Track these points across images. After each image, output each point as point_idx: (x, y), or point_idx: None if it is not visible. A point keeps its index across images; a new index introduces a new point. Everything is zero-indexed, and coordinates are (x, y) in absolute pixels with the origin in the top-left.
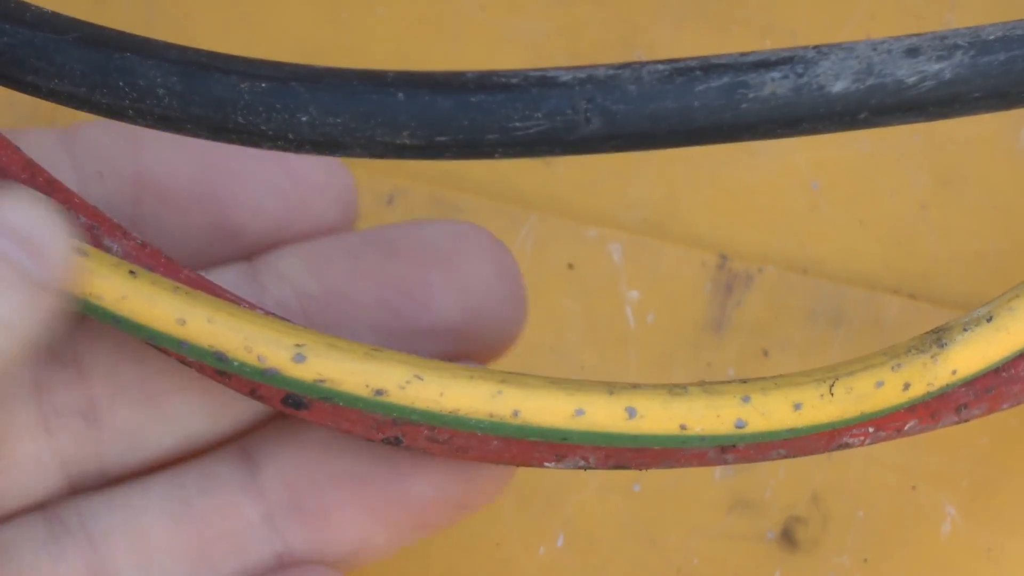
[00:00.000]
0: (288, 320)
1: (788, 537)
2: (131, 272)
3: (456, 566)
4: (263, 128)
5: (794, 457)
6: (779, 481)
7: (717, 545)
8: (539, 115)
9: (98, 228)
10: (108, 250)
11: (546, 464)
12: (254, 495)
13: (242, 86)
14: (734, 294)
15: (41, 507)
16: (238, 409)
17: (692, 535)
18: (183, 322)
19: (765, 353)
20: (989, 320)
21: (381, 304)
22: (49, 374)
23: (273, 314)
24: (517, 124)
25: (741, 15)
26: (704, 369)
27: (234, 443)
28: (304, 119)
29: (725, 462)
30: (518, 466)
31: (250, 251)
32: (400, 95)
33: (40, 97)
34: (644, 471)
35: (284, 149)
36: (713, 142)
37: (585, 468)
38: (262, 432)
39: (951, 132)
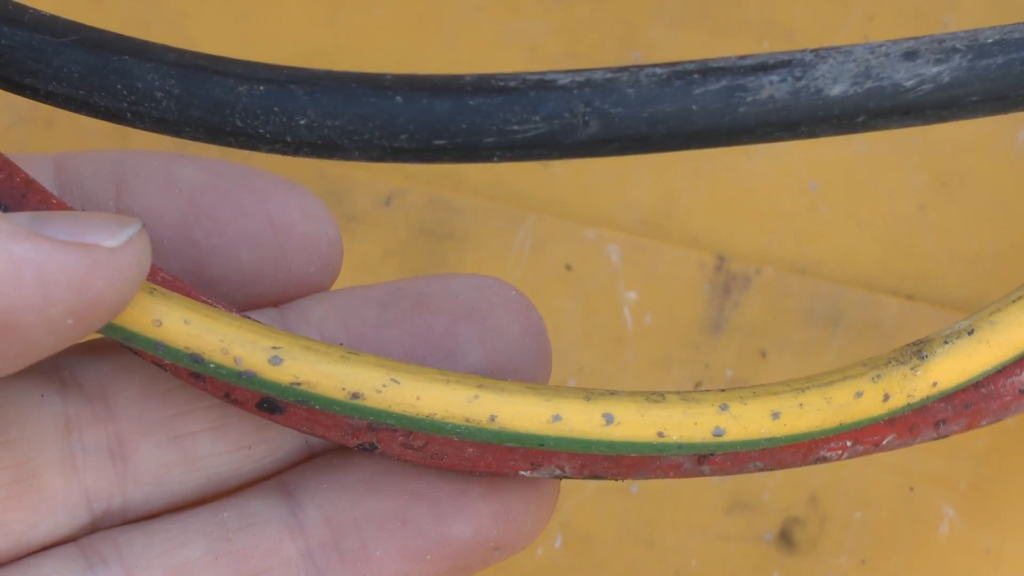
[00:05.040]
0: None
1: (786, 538)
2: None
3: None
4: (261, 131)
5: (771, 470)
6: (777, 483)
7: (715, 546)
8: (537, 118)
9: None
10: None
11: (521, 472)
12: (295, 532)
13: (240, 89)
14: (732, 295)
15: (69, 541)
16: (264, 451)
17: (690, 536)
18: (159, 323)
19: (763, 354)
20: (970, 333)
21: (407, 353)
22: (77, 410)
23: (249, 318)
24: (515, 127)
25: (739, 16)
26: (702, 370)
27: (273, 480)
28: (302, 122)
29: (701, 474)
30: (492, 474)
31: (227, 300)
32: (398, 98)
33: (38, 100)
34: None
35: (282, 152)
36: (711, 145)
37: (560, 477)
38: (302, 469)
39: (949, 134)
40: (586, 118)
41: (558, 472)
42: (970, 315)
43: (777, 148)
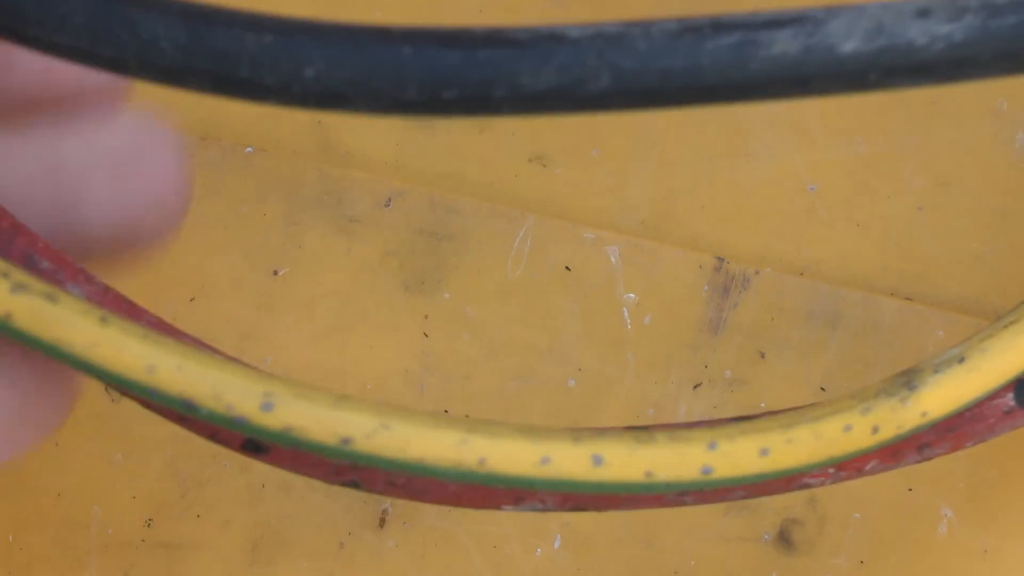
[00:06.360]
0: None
1: (784, 539)
2: (102, 319)
3: (453, 567)
4: (267, 81)
5: (754, 498)
6: None
7: (714, 547)
8: (548, 71)
9: (61, 272)
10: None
11: (504, 507)
12: None
13: (247, 38)
14: (731, 296)
15: None
16: None
17: (689, 537)
18: (153, 370)
19: (762, 355)
20: (961, 361)
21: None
22: None
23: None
24: (525, 80)
25: None
26: (701, 371)
27: None
28: (309, 73)
29: (684, 503)
30: (478, 509)
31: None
32: (407, 49)
33: (42, 51)
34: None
35: (288, 104)
36: (722, 101)
37: (543, 510)
38: None
39: (948, 134)
40: (597, 71)
41: (541, 506)
42: (961, 341)
43: (776, 149)
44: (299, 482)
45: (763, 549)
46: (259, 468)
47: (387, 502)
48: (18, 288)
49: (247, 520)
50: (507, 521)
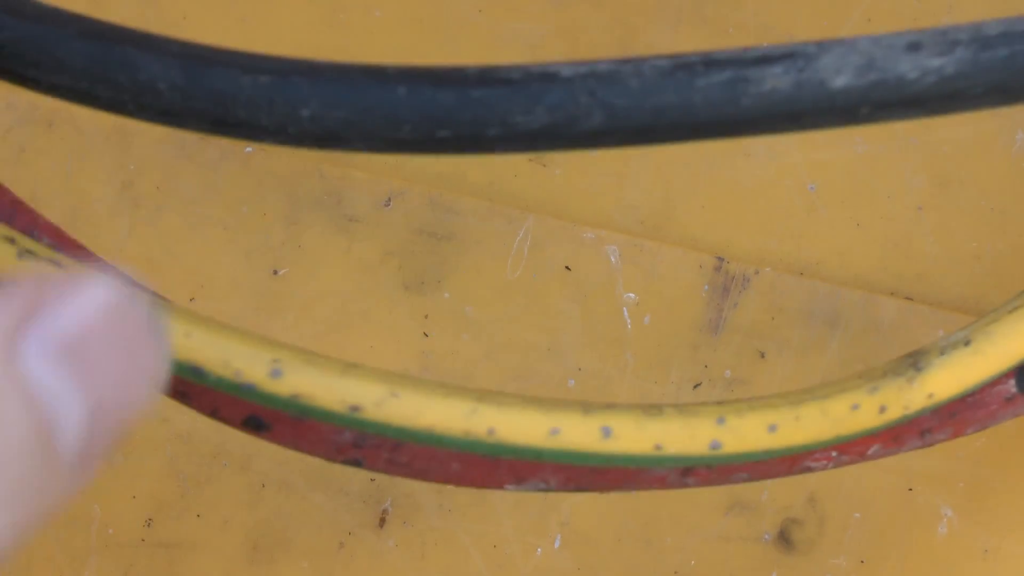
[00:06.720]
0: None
1: (785, 538)
2: None
3: (453, 567)
4: (264, 122)
5: (756, 480)
6: (776, 483)
7: (714, 546)
8: (540, 109)
9: (61, 249)
10: None
11: (506, 486)
12: None
13: (243, 80)
14: (731, 296)
15: None
16: None
17: (689, 537)
18: None
19: (762, 355)
20: (967, 344)
21: None
22: None
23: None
24: (519, 118)
25: (738, 17)
26: (701, 371)
27: None
28: (305, 113)
29: (686, 486)
30: (479, 488)
31: None
32: (401, 89)
33: (41, 92)
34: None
35: (284, 143)
36: (714, 137)
37: (545, 491)
38: None
39: (948, 134)
40: (590, 109)
41: (543, 486)
42: (967, 325)
43: (776, 149)
44: (299, 482)
45: (763, 549)
46: (259, 468)
47: (387, 501)
48: (25, 254)
49: (247, 520)
50: (507, 521)
